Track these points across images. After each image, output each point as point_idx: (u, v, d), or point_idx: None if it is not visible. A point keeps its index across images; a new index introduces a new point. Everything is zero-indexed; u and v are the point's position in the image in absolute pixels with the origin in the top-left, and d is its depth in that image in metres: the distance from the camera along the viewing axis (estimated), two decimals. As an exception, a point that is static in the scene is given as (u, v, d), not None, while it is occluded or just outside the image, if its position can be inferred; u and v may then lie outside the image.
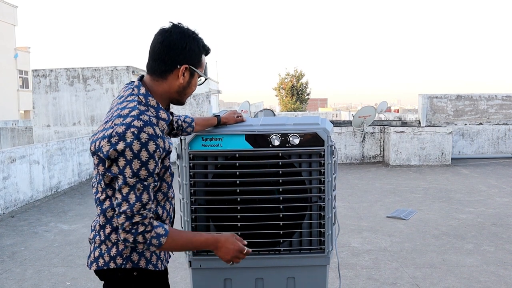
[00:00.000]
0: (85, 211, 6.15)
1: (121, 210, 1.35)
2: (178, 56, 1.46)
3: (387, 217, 5.50)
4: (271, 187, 2.06)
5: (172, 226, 1.65)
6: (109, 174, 1.38)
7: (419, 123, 11.27)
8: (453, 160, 9.97)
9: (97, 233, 1.52)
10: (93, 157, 1.46)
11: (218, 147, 2.04)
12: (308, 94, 35.32)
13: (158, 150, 1.37)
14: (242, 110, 12.48)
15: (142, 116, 1.36)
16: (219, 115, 2.06)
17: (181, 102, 1.57)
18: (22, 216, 5.95)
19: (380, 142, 10.18)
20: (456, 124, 10.92)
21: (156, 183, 1.42)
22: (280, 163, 2.05)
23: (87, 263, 1.56)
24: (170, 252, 1.69)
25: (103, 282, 1.60)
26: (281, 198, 2.06)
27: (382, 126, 10.33)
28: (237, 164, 2.03)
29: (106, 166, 1.38)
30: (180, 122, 1.82)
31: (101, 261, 1.49)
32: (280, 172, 2.05)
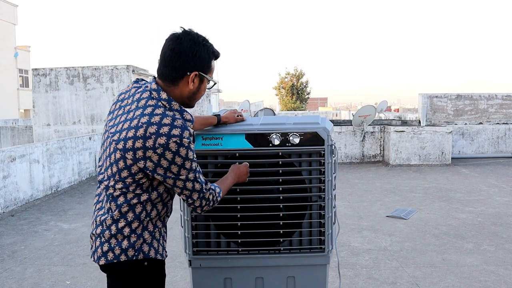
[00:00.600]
0: (85, 210, 6.15)
1: (194, 198, 1.57)
2: (188, 63, 1.53)
3: (387, 216, 5.51)
4: (271, 187, 2.06)
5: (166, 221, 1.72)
6: (160, 177, 1.50)
7: (419, 122, 11.26)
8: (453, 159, 9.97)
9: (106, 228, 1.55)
10: (115, 154, 1.50)
11: (218, 146, 2.04)
12: (308, 93, 35.29)
13: (193, 146, 1.53)
14: (242, 110, 12.49)
15: (175, 122, 1.46)
16: (219, 114, 2.07)
17: (190, 106, 1.64)
18: (22, 215, 5.95)
19: (380, 141, 10.18)
20: (456, 124, 10.92)
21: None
22: (280, 163, 2.05)
23: (94, 258, 1.58)
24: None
25: (109, 277, 1.62)
26: (281, 197, 2.06)
27: (382, 126, 10.32)
28: (238, 164, 2.03)
29: (155, 171, 1.48)
30: None
31: (110, 255, 1.54)
32: (280, 171, 2.05)
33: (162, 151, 1.44)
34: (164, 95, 1.53)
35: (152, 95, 1.53)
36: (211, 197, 1.63)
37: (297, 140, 2.04)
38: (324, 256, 2.10)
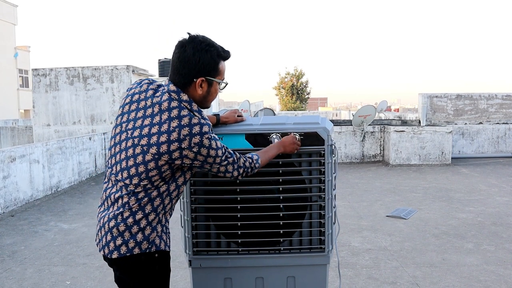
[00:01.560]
0: (85, 210, 6.15)
1: (231, 171, 1.70)
2: (193, 71, 1.60)
3: (387, 216, 5.51)
4: (271, 187, 2.06)
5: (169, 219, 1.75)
6: (197, 168, 1.64)
7: (419, 122, 11.26)
8: (453, 159, 9.97)
9: (121, 220, 1.58)
10: (143, 156, 1.56)
11: (218, 146, 2.04)
12: (308, 93, 35.27)
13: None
14: (242, 110, 12.49)
15: (202, 121, 1.58)
16: (218, 114, 2.07)
17: (205, 107, 1.72)
18: (22, 215, 5.95)
19: (380, 141, 10.18)
20: (456, 124, 10.92)
21: None
22: (280, 163, 2.05)
23: (104, 252, 1.61)
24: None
25: (118, 270, 1.65)
26: (281, 197, 2.06)
27: (382, 126, 10.32)
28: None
29: (190, 167, 1.63)
30: None
31: (123, 248, 1.58)
32: (280, 171, 2.06)
33: (197, 149, 1.55)
34: (185, 97, 1.61)
35: (172, 97, 1.59)
36: (247, 163, 1.74)
37: (297, 140, 2.03)
38: (324, 256, 2.10)
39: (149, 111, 1.59)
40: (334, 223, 2.14)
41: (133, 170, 1.57)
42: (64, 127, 10.90)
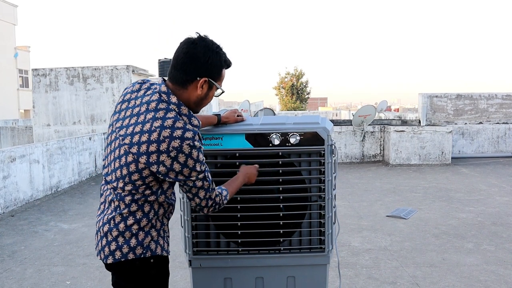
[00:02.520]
0: (85, 210, 6.15)
1: (201, 197, 1.60)
2: (200, 68, 1.55)
3: (387, 216, 5.51)
4: (271, 186, 2.06)
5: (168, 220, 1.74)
6: (171, 180, 1.55)
7: (419, 122, 11.26)
8: (453, 159, 9.97)
9: (114, 226, 1.56)
10: (126, 157, 1.52)
11: (218, 146, 2.04)
12: (308, 93, 35.27)
13: (203, 149, 1.59)
14: (242, 109, 12.49)
15: (187, 126, 1.51)
16: (219, 114, 2.07)
17: (196, 111, 1.64)
18: (22, 215, 5.95)
19: (380, 141, 10.18)
20: (456, 123, 10.92)
21: None
22: (280, 162, 2.05)
23: (101, 257, 1.60)
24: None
25: (114, 275, 1.63)
26: (281, 197, 2.06)
27: (382, 125, 10.32)
28: (237, 163, 2.03)
29: (167, 175, 1.52)
30: None
31: (118, 253, 1.56)
32: (280, 171, 2.05)
33: (175, 154, 1.47)
34: (174, 99, 1.55)
35: (162, 98, 1.54)
36: (217, 199, 1.66)
37: (297, 140, 2.04)
38: (324, 256, 2.10)
39: (136, 110, 1.55)
40: (334, 223, 2.14)
41: (118, 173, 1.55)
42: (64, 127, 10.90)
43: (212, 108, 13.40)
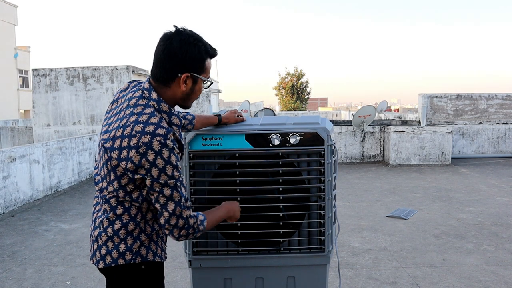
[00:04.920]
0: (85, 210, 6.15)
1: (169, 211, 1.44)
2: (179, 65, 1.47)
3: (387, 216, 5.51)
4: (271, 187, 2.06)
5: None
6: (138, 183, 1.47)
7: (419, 122, 11.26)
8: (453, 159, 9.97)
9: (103, 230, 1.53)
10: (104, 154, 1.48)
11: (218, 146, 2.04)
12: (308, 94, 35.27)
13: (177, 153, 1.47)
14: (242, 110, 12.49)
15: (162, 123, 1.43)
16: (220, 115, 2.07)
17: (186, 107, 1.59)
18: (22, 215, 5.95)
19: (380, 141, 10.18)
20: (456, 124, 10.92)
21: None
22: (280, 163, 2.05)
23: (93, 261, 1.57)
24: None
25: (107, 279, 1.60)
26: (281, 197, 2.06)
27: (382, 126, 10.32)
28: (237, 164, 2.03)
29: (136, 172, 1.43)
30: (186, 117, 1.89)
31: (108, 258, 1.52)
32: (280, 171, 2.05)
33: (144, 150, 1.38)
34: (154, 95, 1.49)
35: (143, 94, 1.50)
36: (191, 221, 1.49)
37: (297, 140, 2.04)
38: (324, 256, 2.10)
39: (119, 108, 1.52)
40: (334, 223, 2.14)
41: (102, 172, 1.52)
42: (64, 127, 10.90)
43: (212, 108, 13.40)
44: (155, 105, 1.48)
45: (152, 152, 1.38)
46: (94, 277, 3.74)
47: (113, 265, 1.52)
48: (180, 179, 1.46)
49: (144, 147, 1.38)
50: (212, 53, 1.54)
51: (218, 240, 2.12)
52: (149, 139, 1.38)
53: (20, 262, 4.14)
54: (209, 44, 1.53)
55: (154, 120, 1.42)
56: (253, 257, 2.10)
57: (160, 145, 1.39)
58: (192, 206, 1.55)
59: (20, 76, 31.95)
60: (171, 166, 1.42)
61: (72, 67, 10.85)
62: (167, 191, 1.43)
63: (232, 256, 2.10)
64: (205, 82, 1.56)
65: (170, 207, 1.44)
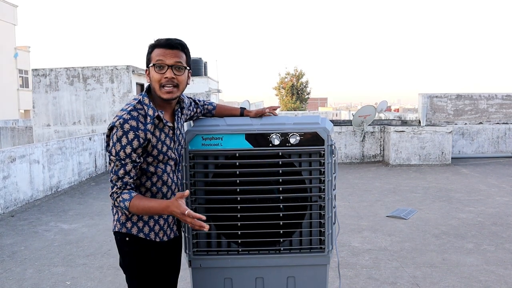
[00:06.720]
0: (85, 210, 6.15)
1: (109, 179, 1.73)
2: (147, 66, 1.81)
3: (387, 216, 5.50)
4: (271, 187, 2.06)
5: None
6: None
7: (419, 122, 11.26)
8: (453, 159, 9.97)
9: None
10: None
11: (218, 146, 2.04)
12: (308, 94, 35.27)
13: (136, 139, 1.67)
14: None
15: (132, 112, 1.70)
16: (244, 108, 2.16)
17: (161, 99, 1.76)
18: (22, 215, 5.95)
19: (380, 141, 10.18)
20: (456, 124, 10.92)
21: (134, 164, 1.69)
22: (280, 163, 2.05)
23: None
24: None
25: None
26: (281, 197, 2.06)
27: (382, 126, 10.32)
28: (237, 164, 2.03)
29: (107, 145, 1.74)
30: (205, 107, 2.14)
31: (113, 224, 1.86)
32: (280, 171, 2.05)
33: (110, 127, 1.69)
34: (144, 92, 1.80)
35: (141, 93, 1.82)
36: (114, 195, 1.70)
37: (297, 140, 2.04)
38: (324, 256, 2.10)
39: None
40: (334, 223, 2.14)
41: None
42: (64, 127, 10.90)
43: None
44: (140, 98, 1.76)
45: (112, 130, 1.69)
46: (94, 277, 3.74)
47: (113, 230, 1.84)
48: (123, 161, 1.67)
49: (111, 125, 1.70)
50: (156, 43, 1.75)
51: (218, 240, 2.12)
52: (116, 119, 1.69)
53: (20, 262, 4.14)
54: (158, 39, 1.76)
55: (127, 107, 1.73)
56: (253, 257, 2.10)
57: (119, 126, 1.66)
58: (128, 188, 1.69)
59: (20, 76, 31.94)
60: (119, 145, 1.66)
61: (72, 67, 10.85)
62: (111, 164, 1.71)
63: (232, 256, 2.10)
64: (153, 66, 1.73)
65: (110, 176, 1.72)
